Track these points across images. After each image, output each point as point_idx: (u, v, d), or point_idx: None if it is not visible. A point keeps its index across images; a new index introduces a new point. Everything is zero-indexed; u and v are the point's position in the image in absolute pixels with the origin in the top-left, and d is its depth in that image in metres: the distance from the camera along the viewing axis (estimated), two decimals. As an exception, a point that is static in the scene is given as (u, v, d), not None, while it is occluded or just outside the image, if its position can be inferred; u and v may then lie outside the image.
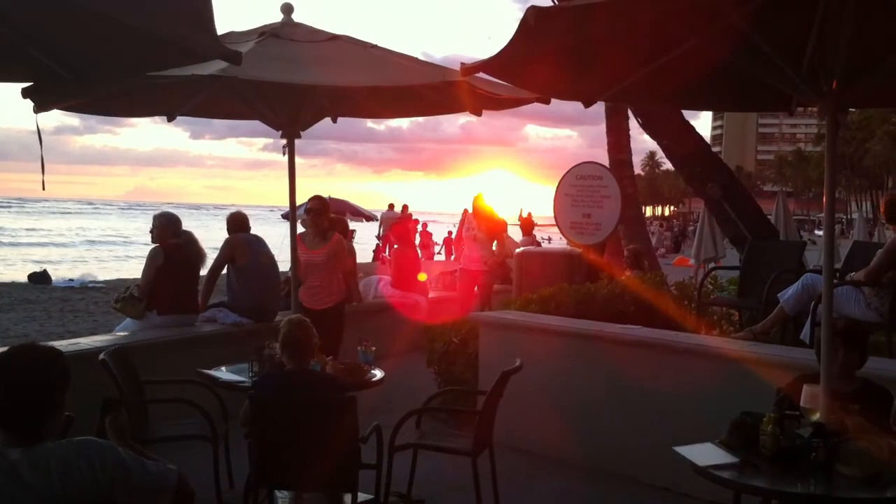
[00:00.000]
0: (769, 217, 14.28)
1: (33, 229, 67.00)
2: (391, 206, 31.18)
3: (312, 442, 4.61)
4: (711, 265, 15.53)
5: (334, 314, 8.04)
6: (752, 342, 6.74)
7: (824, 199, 4.56)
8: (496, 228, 12.48)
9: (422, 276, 12.22)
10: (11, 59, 4.51)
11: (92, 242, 57.06)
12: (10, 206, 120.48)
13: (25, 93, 5.14)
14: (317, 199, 8.25)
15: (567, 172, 11.59)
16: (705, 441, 4.21)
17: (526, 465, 6.71)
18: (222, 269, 8.46)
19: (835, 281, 6.24)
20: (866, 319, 6.42)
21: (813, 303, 6.77)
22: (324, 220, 8.12)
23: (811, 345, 6.53)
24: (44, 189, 5.14)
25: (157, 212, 8.50)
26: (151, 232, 7.97)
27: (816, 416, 4.04)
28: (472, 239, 12.43)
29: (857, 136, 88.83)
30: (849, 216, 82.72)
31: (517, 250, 12.40)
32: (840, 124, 4.39)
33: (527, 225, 18.05)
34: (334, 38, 6.57)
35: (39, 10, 4.01)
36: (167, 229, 7.94)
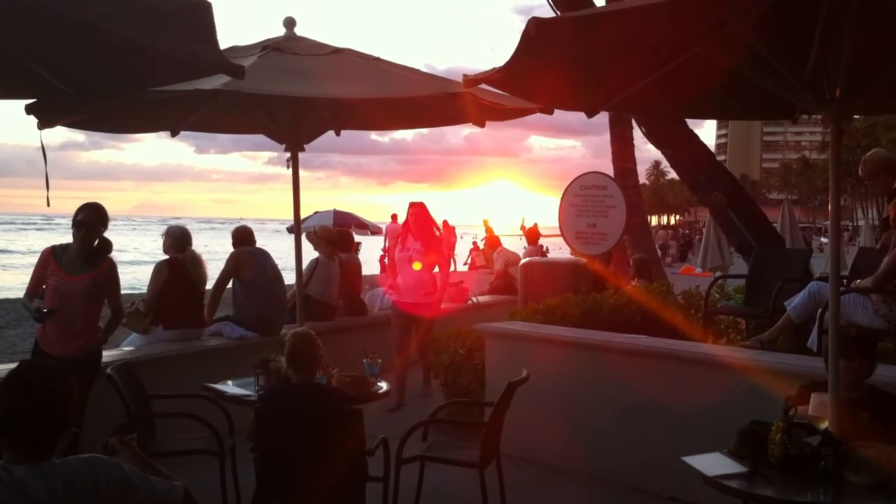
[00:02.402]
0: (775, 225, 14.25)
1: (35, 246, 67.21)
2: (394, 217, 31.54)
3: (319, 455, 4.59)
4: (718, 274, 15.50)
5: (84, 366, 5.84)
6: (760, 350, 6.71)
7: (829, 207, 4.55)
8: (439, 244, 9.41)
9: (416, 265, 9.00)
10: (15, 75, 4.53)
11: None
12: (14, 223, 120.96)
13: (29, 109, 5.16)
14: (91, 209, 6.09)
15: (572, 182, 11.58)
16: (713, 450, 4.20)
17: (534, 477, 6.69)
18: (228, 282, 8.48)
19: (841, 288, 6.22)
20: (874, 327, 6.40)
21: (820, 310, 6.74)
22: (93, 238, 6.09)
23: (818, 352, 6.50)
24: (48, 205, 5.15)
25: (166, 226, 8.54)
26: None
27: (825, 425, 4.02)
28: (407, 261, 9.10)
29: (862, 144, 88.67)
30: (855, 223, 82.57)
31: (522, 261, 12.40)
32: (844, 132, 4.38)
33: (532, 235, 18.06)
34: (337, 51, 6.59)
35: (42, 26, 4.02)
36: (173, 246, 7.97)
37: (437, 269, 9.17)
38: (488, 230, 36.02)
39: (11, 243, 68.44)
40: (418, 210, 9.15)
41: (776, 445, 3.91)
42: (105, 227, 6.14)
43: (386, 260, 22.60)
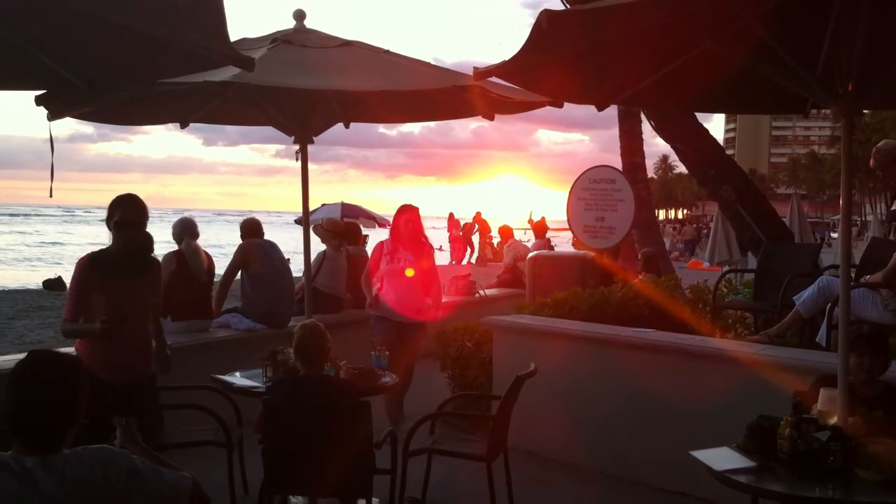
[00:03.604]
0: (783, 219, 14.22)
1: (47, 236, 67.43)
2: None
3: (326, 447, 4.61)
4: (726, 268, 15.48)
5: (147, 391, 5.39)
6: (768, 345, 6.70)
7: (840, 201, 4.54)
8: (431, 253, 8.14)
9: (409, 272, 7.73)
10: (25, 67, 4.53)
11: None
12: (27, 213, 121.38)
13: (39, 101, 5.17)
14: (129, 204, 5.16)
15: (580, 176, 11.57)
16: (721, 445, 4.19)
17: (541, 470, 6.69)
18: (235, 274, 8.49)
19: (851, 283, 6.20)
20: (883, 322, 6.38)
21: (829, 305, 6.73)
22: (138, 237, 5.25)
23: (827, 347, 6.50)
24: (51, 196, 5.16)
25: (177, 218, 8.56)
26: None
27: (834, 420, 4.02)
28: (397, 273, 7.74)
29: (872, 139, 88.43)
30: (863, 218, 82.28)
31: (530, 254, 12.39)
32: (855, 126, 4.37)
33: (540, 228, 18.04)
34: (347, 43, 6.58)
35: (53, 19, 4.03)
36: (178, 236, 8.01)
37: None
38: (480, 222, 36.38)
39: (24, 236, 68.65)
40: (413, 216, 7.82)
41: (785, 440, 3.90)
42: (148, 220, 5.28)
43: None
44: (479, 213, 37.08)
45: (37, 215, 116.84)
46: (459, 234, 36.61)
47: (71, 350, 4.91)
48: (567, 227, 11.84)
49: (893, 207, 7.62)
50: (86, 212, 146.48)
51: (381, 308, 7.74)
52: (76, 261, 5.23)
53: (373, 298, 7.77)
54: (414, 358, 7.80)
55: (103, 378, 4.77)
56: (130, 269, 5.17)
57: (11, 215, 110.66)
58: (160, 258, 7.96)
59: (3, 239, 62.56)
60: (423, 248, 7.91)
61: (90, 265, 5.09)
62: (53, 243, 60.79)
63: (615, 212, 11.12)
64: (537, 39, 3.84)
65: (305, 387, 4.87)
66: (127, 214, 5.08)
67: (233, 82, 5.34)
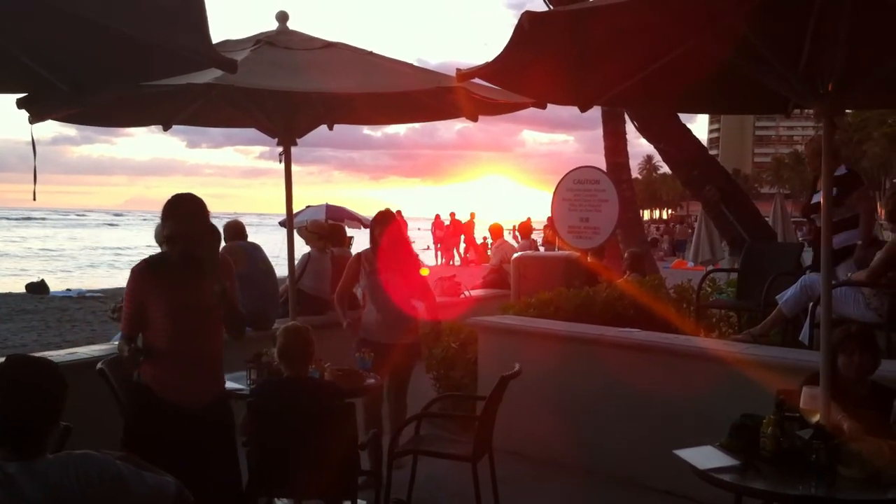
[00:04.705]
0: (767, 219, 14.29)
1: (30, 239, 66.90)
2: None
3: (312, 449, 4.60)
4: (710, 267, 15.53)
5: (222, 414, 4.72)
6: (751, 344, 6.73)
7: (822, 201, 4.57)
8: (417, 265, 7.23)
9: (424, 271, 7.25)
10: (6, 69, 4.50)
11: (90, 251, 56.80)
12: (8, 217, 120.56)
13: (20, 103, 5.13)
14: (181, 213, 4.48)
15: (564, 177, 11.60)
16: (706, 444, 4.21)
17: (526, 470, 6.70)
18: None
19: (834, 282, 6.24)
20: (865, 320, 6.41)
21: (811, 304, 6.77)
22: (197, 250, 4.50)
23: (811, 346, 6.54)
24: (34, 199, 5.08)
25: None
26: None
27: (816, 418, 4.04)
28: (380, 288, 6.73)
29: (854, 138, 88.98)
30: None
31: (515, 255, 12.40)
32: (837, 126, 4.39)
33: (525, 229, 18.05)
34: (330, 45, 6.56)
35: (35, 20, 4.01)
36: (161, 238, 7.94)
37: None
38: (453, 222, 36.51)
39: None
40: (393, 228, 6.76)
41: (768, 439, 3.93)
42: (207, 219, 4.58)
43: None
44: (452, 214, 37.33)
45: (29, 219, 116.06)
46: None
47: (52, 353, 4.85)
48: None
49: (812, 201, 7.69)
50: (78, 215, 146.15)
51: (366, 330, 6.73)
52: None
53: (350, 321, 6.77)
54: (406, 385, 6.77)
55: (163, 398, 4.38)
56: (196, 274, 4.41)
57: (6, 219, 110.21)
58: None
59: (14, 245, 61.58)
60: (410, 259, 6.95)
61: (147, 272, 4.44)
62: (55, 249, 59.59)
63: (599, 212, 11.16)
64: (520, 41, 3.85)
65: (290, 389, 4.87)
66: (179, 227, 4.37)
67: (216, 84, 5.33)
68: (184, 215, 4.42)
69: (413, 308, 6.84)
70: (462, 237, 37.30)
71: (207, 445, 4.41)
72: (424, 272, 7.06)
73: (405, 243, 7.02)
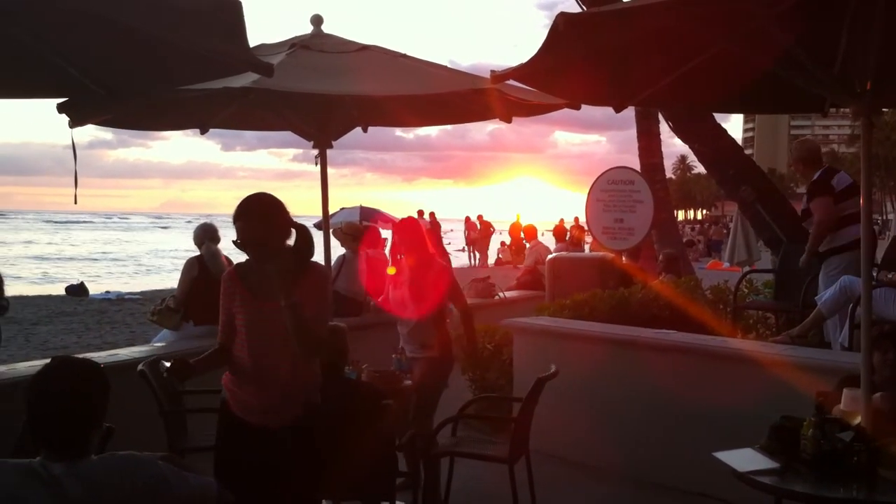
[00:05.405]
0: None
1: (70, 243, 67.72)
2: (420, 213, 31.84)
3: (349, 450, 4.62)
4: (746, 268, 15.39)
5: (303, 436, 4.18)
6: (790, 346, 6.67)
7: (860, 200, 4.52)
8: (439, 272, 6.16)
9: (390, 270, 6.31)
10: (46, 75, 4.58)
11: (128, 255, 57.29)
12: (47, 219, 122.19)
13: (61, 108, 5.22)
14: (251, 217, 3.94)
15: (598, 177, 11.55)
16: (744, 446, 4.18)
17: (563, 473, 6.68)
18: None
19: (873, 282, 6.16)
20: (905, 321, 6.34)
21: (851, 305, 6.69)
22: (272, 252, 3.87)
23: (850, 347, 6.46)
24: (76, 203, 5.18)
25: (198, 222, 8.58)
26: None
27: (857, 420, 4.00)
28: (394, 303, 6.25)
29: (892, 137, 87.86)
30: (884, 216, 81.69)
31: (549, 256, 12.37)
32: (875, 125, 4.35)
33: (560, 232, 18.01)
34: (364, 48, 6.61)
35: (73, 26, 4.07)
36: (199, 240, 8.03)
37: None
38: (483, 224, 36.52)
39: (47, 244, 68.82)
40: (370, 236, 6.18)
41: (808, 441, 3.89)
42: (285, 219, 3.99)
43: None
44: (480, 217, 37.44)
45: (71, 222, 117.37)
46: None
47: (93, 355, 4.90)
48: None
49: (804, 207, 7.69)
50: (121, 217, 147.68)
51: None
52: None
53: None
54: (428, 405, 6.07)
55: (240, 417, 4.08)
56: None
57: (55, 223, 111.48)
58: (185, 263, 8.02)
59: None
60: (429, 267, 6.10)
61: (232, 278, 4.11)
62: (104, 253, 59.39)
63: (634, 213, 11.10)
64: (554, 42, 3.85)
65: (326, 389, 4.89)
66: (245, 232, 3.89)
67: (253, 88, 5.39)
68: (249, 220, 3.91)
69: (428, 322, 6.09)
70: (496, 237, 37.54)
71: (284, 467, 4.04)
72: (391, 271, 6.32)
73: (381, 259, 6.54)
